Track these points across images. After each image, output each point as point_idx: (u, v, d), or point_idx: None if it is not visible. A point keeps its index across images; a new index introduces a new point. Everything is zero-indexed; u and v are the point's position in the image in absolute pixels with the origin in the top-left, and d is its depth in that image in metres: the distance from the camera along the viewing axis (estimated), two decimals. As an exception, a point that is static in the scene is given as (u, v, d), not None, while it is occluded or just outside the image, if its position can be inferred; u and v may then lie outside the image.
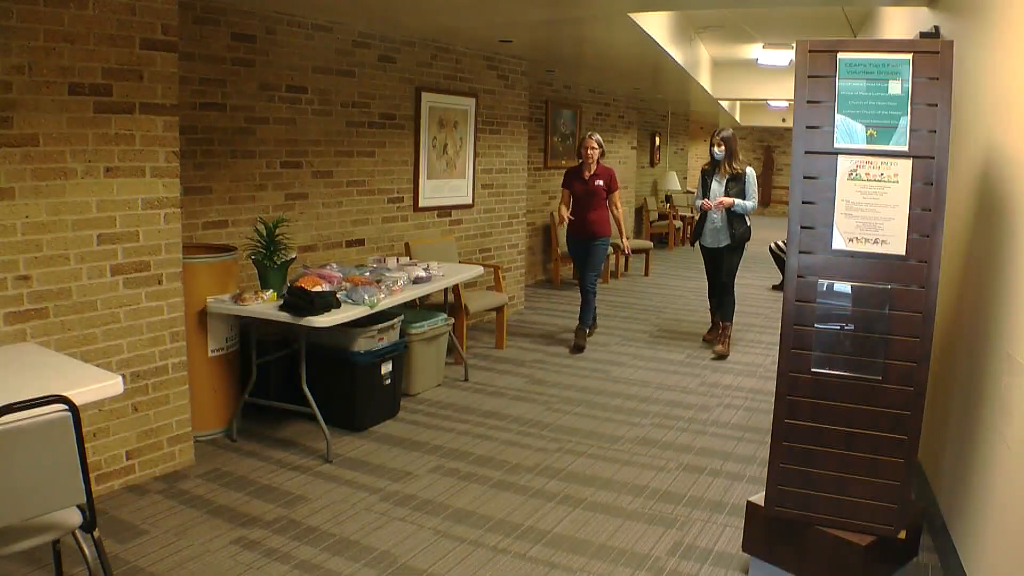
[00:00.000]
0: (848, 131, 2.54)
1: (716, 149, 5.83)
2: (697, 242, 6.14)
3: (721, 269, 6.06)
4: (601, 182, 6.07)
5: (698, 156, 19.25)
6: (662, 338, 6.61)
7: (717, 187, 5.84)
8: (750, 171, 5.83)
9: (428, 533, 3.19)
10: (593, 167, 6.06)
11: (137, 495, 3.45)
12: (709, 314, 6.57)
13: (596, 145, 6.04)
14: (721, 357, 6.01)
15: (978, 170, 2.95)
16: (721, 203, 5.78)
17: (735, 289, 6.20)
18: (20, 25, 2.97)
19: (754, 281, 9.81)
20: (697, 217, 6.16)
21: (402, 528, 3.23)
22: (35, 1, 3.00)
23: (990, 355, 2.60)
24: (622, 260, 9.94)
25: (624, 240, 6.47)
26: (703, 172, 6.04)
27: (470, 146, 6.78)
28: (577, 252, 6.27)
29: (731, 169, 5.79)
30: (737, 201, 5.76)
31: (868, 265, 2.55)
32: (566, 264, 9.50)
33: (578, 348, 6.13)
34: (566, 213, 6.08)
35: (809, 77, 2.58)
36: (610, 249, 6.97)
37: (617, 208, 6.28)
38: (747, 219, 5.88)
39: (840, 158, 2.56)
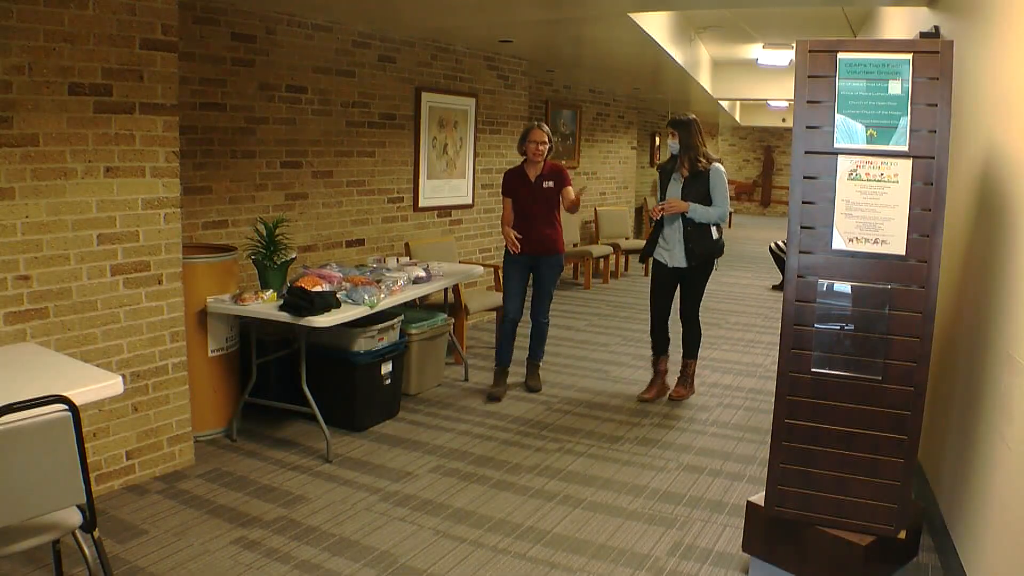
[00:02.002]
0: (848, 131, 2.54)
1: (671, 140, 4.60)
2: (650, 258, 4.85)
3: (674, 296, 4.76)
4: (551, 183, 4.81)
5: (698, 156, 19.26)
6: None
7: (674, 189, 4.59)
8: (717, 168, 4.52)
9: (428, 533, 3.19)
10: (541, 166, 4.81)
11: (137, 495, 3.45)
12: (651, 360, 4.99)
13: (546, 138, 4.76)
14: (680, 399, 4.90)
15: (978, 170, 2.95)
16: (671, 206, 4.50)
17: (700, 320, 4.85)
18: (20, 25, 2.97)
19: (754, 281, 9.82)
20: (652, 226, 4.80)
21: (402, 528, 3.23)
22: (35, 1, 3.00)
23: (990, 355, 2.60)
24: (616, 260, 9.59)
25: (576, 194, 4.78)
26: (660, 170, 4.81)
27: (470, 146, 6.78)
28: (516, 273, 4.88)
29: (691, 166, 4.54)
30: (695, 206, 4.47)
31: (868, 265, 2.55)
32: (566, 264, 9.49)
33: (532, 389, 5.04)
34: (512, 233, 4.76)
35: (809, 77, 2.58)
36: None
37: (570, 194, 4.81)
38: (715, 231, 4.57)
39: (840, 158, 2.56)
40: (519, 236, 4.77)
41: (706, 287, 4.74)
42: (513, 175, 4.93)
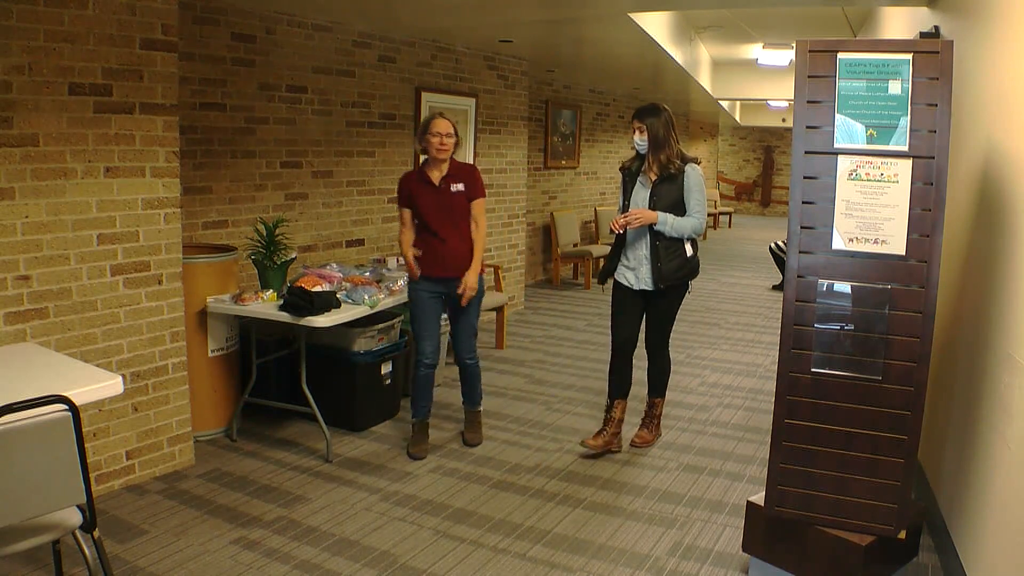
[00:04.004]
0: (848, 131, 2.54)
1: (637, 137, 3.77)
2: (611, 280, 4.02)
3: (639, 325, 3.96)
4: (461, 187, 3.86)
5: (697, 156, 19.26)
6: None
7: (641, 195, 3.82)
8: (692, 170, 3.76)
9: (428, 533, 3.19)
10: (446, 166, 3.87)
11: (137, 495, 3.45)
12: (607, 402, 4.14)
13: (452, 130, 3.81)
14: (643, 445, 4.12)
15: (978, 170, 2.95)
16: (636, 218, 3.70)
17: (670, 352, 4.09)
18: (20, 25, 2.97)
19: (754, 281, 9.82)
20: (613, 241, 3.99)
21: (402, 528, 3.23)
22: (35, 1, 3.00)
23: (990, 355, 2.60)
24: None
25: (470, 272, 3.88)
26: (624, 172, 3.95)
27: (470, 146, 6.78)
28: (427, 306, 3.91)
29: (661, 168, 3.77)
30: (665, 216, 3.70)
31: (868, 265, 2.55)
32: (566, 264, 9.51)
33: (471, 443, 4.12)
34: (412, 254, 3.85)
35: (809, 77, 2.58)
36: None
37: (479, 225, 3.97)
38: (689, 247, 3.80)
39: (840, 158, 2.56)
40: (417, 255, 3.86)
41: (677, 314, 3.97)
42: (411, 180, 3.90)
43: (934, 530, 3.09)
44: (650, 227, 3.77)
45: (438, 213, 3.84)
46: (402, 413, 4.59)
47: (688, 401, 4.95)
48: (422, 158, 3.93)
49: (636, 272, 3.87)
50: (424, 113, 6.11)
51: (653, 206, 3.76)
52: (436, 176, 3.85)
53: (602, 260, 9.24)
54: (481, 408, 4.26)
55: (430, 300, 3.91)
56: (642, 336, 4.06)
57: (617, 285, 3.97)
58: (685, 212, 3.77)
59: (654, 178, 3.79)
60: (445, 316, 4.15)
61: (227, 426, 4.18)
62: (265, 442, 4.12)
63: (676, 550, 3.09)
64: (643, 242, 3.82)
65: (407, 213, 3.91)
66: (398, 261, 5.05)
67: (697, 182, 3.77)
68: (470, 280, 3.88)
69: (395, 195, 5.90)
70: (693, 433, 4.38)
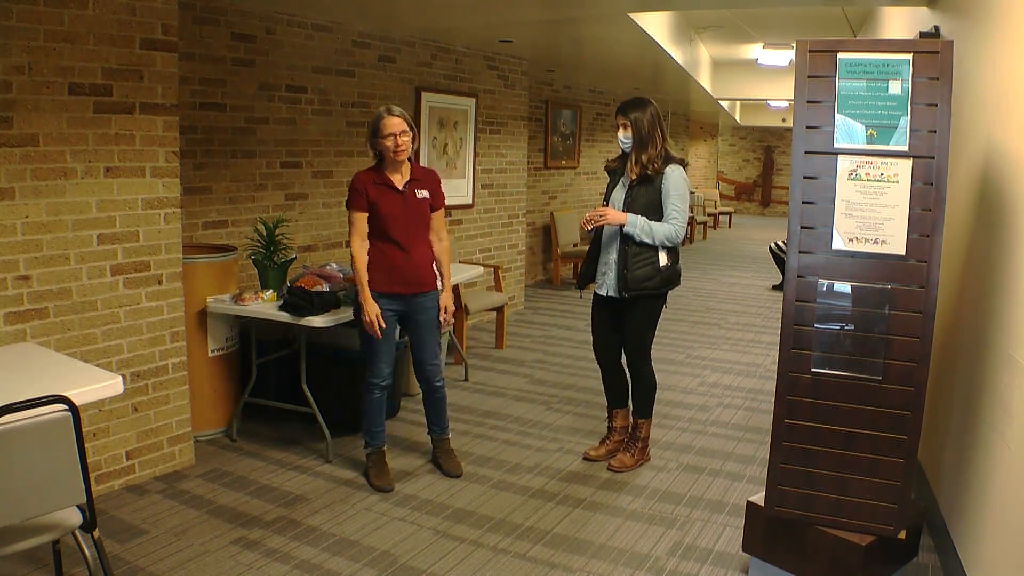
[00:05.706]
0: (848, 131, 2.54)
1: (621, 133, 3.53)
2: (592, 286, 3.81)
3: (616, 334, 3.74)
4: (426, 194, 3.47)
5: (697, 156, 19.29)
6: (661, 338, 6.61)
7: (618, 196, 3.60)
8: (672, 172, 3.47)
9: (428, 533, 3.19)
10: (408, 168, 3.45)
11: (137, 495, 3.46)
12: (607, 411, 4.00)
13: (407, 126, 3.35)
14: (620, 470, 3.78)
15: (978, 170, 2.95)
16: (600, 216, 3.50)
17: (653, 366, 3.76)
18: (20, 25, 2.97)
19: (754, 281, 9.82)
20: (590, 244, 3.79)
21: (402, 528, 3.23)
22: (35, 1, 3.00)
23: (990, 355, 2.60)
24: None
25: (446, 294, 3.59)
26: (609, 172, 3.76)
27: (470, 146, 6.78)
28: (387, 321, 3.43)
29: (642, 167, 3.50)
30: (634, 219, 3.45)
31: (868, 265, 2.55)
32: (566, 264, 9.51)
33: (454, 473, 3.72)
34: (364, 269, 3.39)
35: (809, 77, 2.58)
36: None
37: (441, 239, 3.60)
38: (664, 255, 3.49)
39: (840, 158, 2.56)
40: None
41: (655, 328, 3.67)
42: (368, 181, 3.39)
43: (934, 530, 3.09)
44: (620, 230, 3.53)
45: (403, 221, 3.41)
46: (402, 413, 4.59)
47: (688, 401, 4.95)
48: (374, 160, 3.50)
49: (606, 277, 3.65)
50: (424, 113, 6.11)
51: (628, 209, 3.51)
52: (399, 180, 3.41)
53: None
54: (450, 435, 3.87)
55: (387, 318, 3.44)
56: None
57: (595, 295, 3.78)
58: (663, 215, 3.50)
59: (633, 178, 3.54)
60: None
61: (227, 426, 4.18)
62: (265, 442, 4.12)
63: (676, 550, 3.09)
64: (614, 246, 3.58)
65: (361, 218, 3.39)
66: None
67: (676, 185, 3.47)
68: (448, 303, 3.58)
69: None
70: (693, 433, 4.38)
